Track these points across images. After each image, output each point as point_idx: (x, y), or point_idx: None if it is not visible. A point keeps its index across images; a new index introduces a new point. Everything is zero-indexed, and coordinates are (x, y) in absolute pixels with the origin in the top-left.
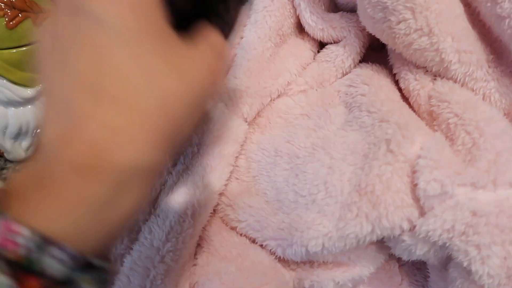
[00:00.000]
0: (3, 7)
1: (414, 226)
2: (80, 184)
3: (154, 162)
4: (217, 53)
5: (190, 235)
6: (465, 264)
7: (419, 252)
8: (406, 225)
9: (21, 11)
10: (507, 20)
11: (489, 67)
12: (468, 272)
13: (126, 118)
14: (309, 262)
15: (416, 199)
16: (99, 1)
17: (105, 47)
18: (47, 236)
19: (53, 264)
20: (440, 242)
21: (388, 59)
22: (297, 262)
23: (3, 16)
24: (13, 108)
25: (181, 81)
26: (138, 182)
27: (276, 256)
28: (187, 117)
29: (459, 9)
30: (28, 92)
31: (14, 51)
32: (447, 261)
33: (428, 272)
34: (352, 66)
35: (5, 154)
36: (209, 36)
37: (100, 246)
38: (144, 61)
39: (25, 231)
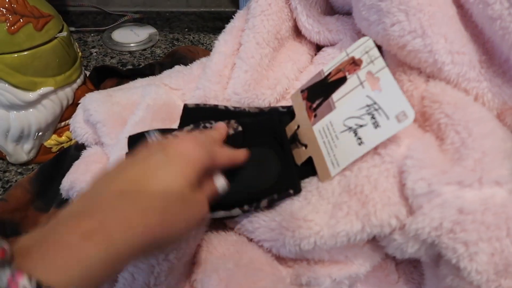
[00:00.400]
0: (4, 12)
1: (404, 225)
2: (80, 246)
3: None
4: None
5: (193, 236)
6: (453, 261)
7: (411, 250)
8: (394, 223)
9: (22, 16)
10: (498, 21)
11: (481, 67)
12: (457, 269)
13: (135, 209)
14: (306, 259)
15: (404, 198)
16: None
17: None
18: (42, 283)
19: None
20: (429, 240)
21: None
22: (294, 259)
23: (5, 21)
24: (15, 112)
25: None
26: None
27: (273, 253)
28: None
29: (452, 11)
30: (30, 95)
31: (16, 55)
32: (438, 258)
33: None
34: None
35: (7, 157)
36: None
37: None
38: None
39: (25, 278)
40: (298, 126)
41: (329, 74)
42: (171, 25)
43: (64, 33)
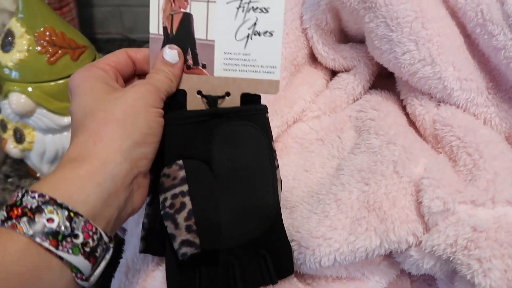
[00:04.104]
0: (45, 45)
1: (420, 242)
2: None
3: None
4: None
5: None
6: (468, 277)
7: (426, 266)
8: (411, 239)
9: (61, 47)
10: (502, 51)
11: (488, 93)
12: (472, 285)
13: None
14: (324, 277)
15: (421, 216)
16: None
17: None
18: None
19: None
20: (444, 256)
21: (396, 86)
22: (312, 277)
23: (45, 53)
24: (50, 135)
25: None
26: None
27: None
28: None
29: (459, 40)
30: (65, 120)
31: (53, 84)
32: (453, 274)
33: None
34: (362, 92)
35: (41, 178)
36: None
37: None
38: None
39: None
40: (200, 92)
41: (165, 28)
42: None
43: None
